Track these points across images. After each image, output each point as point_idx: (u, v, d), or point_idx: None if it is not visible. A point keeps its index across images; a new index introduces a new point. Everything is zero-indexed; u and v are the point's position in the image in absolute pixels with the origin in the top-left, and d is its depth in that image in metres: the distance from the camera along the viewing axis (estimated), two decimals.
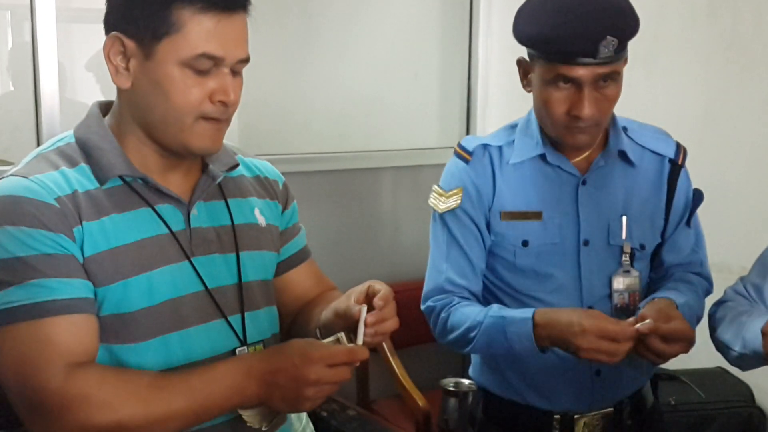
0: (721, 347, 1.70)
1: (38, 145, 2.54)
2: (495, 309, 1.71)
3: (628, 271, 1.74)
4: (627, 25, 1.61)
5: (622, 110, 1.77)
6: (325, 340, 1.34)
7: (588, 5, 1.59)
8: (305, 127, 3.12)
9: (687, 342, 1.60)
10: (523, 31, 1.66)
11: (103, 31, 2.70)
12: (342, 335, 1.33)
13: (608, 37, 1.56)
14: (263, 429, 1.36)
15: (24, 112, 2.55)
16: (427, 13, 3.39)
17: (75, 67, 2.73)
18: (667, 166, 1.81)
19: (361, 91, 3.24)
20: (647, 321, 1.56)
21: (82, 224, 1.27)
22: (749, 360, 1.63)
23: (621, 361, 1.58)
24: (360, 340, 1.32)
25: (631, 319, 1.59)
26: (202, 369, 1.30)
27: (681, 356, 2.09)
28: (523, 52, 1.75)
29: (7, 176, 1.30)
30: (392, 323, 1.36)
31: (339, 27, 3.16)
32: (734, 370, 2.60)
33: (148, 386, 1.25)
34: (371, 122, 3.29)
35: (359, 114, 3.25)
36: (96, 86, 2.76)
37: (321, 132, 3.16)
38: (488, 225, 1.78)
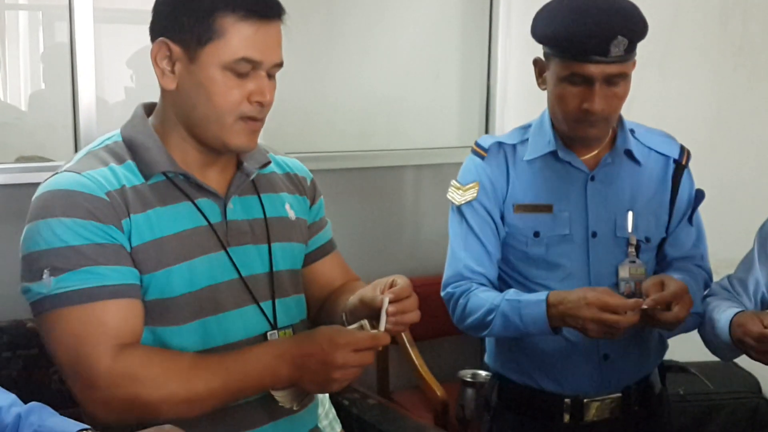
0: (706, 343, 1.83)
1: (75, 142, 2.63)
2: (511, 293, 1.81)
3: (633, 261, 1.84)
4: (636, 26, 1.72)
5: (637, 111, 1.86)
6: (350, 327, 1.43)
7: (601, 8, 1.70)
8: (329, 126, 3.17)
9: (688, 298, 1.70)
10: (541, 30, 1.78)
11: (137, 32, 2.78)
12: (365, 322, 1.42)
13: (619, 37, 1.68)
14: (294, 408, 1.46)
15: (58, 110, 2.63)
16: (447, 15, 3.44)
17: (110, 66, 2.80)
18: (671, 166, 1.91)
19: (384, 92, 3.29)
20: (649, 298, 1.67)
21: (130, 216, 1.37)
22: (727, 351, 1.77)
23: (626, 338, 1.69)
24: (382, 327, 1.41)
25: (637, 300, 1.69)
26: (239, 352, 1.40)
27: (691, 349, 2.18)
28: (540, 53, 1.86)
29: (61, 172, 1.40)
30: (412, 315, 1.45)
31: (362, 29, 3.21)
32: (742, 363, 2.67)
33: (189, 367, 1.35)
34: (393, 122, 3.34)
35: (381, 114, 3.30)
36: (131, 85, 2.84)
37: (344, 131, 3.21)
38: (502, 217, 1.89)
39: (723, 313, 1.73)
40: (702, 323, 1.83)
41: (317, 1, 3.10)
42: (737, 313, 1.71)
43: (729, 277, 1.90)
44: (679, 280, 1.74)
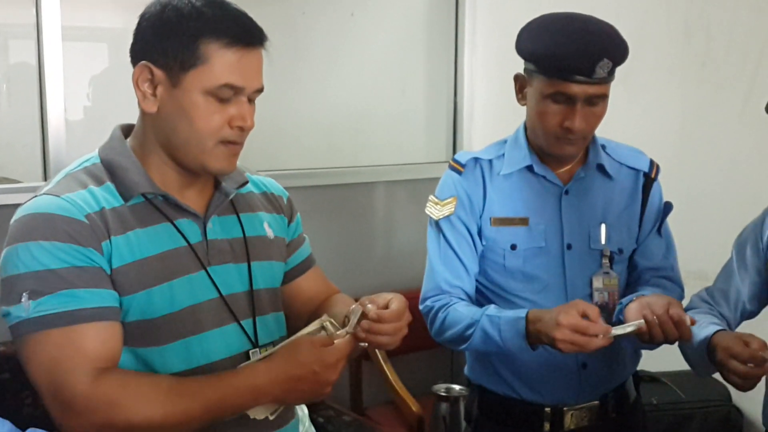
0: (683, 354, 1.85)
1: (44, 164, 2.61)
2: (492, 309, 1.82)
3: (607, 273, 1.88)
4: (620, 50, 1.78)
5: (603, 125, 1.89)
6: (311, 327, 1.43)
7: (588, 30, 1.75)
8: (296, 143, 3.18)
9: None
10: (526, 47, 1.81)
11: (103, 50, 2.73)
12: (327, 323, 1.43)
13: (605, 59, 1.72)
14: (269, 418, 1.46)
15: (25, 131, 2.60)
16: (413, 32, 3.47)
17: (76, 85, 2.77)
18: (641, 180, 1.97)
19: (350, 109, 3.31)
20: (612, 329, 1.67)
21: (110, 239, 1.37)
22: (704, 368, 1.77)
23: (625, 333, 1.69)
24: (350, 328, 1.42)
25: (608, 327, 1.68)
26: (219, 379, 1.38)
27: (662, 359, 2.22)
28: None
29: (40, 195, 1.40)
30: (386, 339, 1.44)
31: (328, 45, 3.23)
32: None
33: (167, 392, 1.35)
34: (360, 138, 3.36)
35: (348, 130, 3.31)
36: (96, 105, 2.82)
37: (311, 148, 3.22)
38: (480, 231, 1.92)
39: (702, 330, 1.74)
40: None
41: (283, 18, 3.12)
42: (716, 332, 1.72)
43: (708, 288, 1.94)
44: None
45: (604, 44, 1.73)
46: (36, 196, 1.40)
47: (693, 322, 1.68)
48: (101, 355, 1.34)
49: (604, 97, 1.79)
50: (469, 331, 1.82)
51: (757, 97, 2.63)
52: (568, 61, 1.72)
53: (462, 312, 1.85)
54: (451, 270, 1.91)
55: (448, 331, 1.87)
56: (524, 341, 1.75)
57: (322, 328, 1.43)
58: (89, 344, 1.33)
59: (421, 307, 1.95)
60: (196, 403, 1.35)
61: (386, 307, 1.45)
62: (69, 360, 1.31)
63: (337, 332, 1.42)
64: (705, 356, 1.71)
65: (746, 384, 1.66)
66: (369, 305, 1.43)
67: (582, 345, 1.65)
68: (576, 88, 1.74)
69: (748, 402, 2.64)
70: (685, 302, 1.97)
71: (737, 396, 2.66)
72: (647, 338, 1.69)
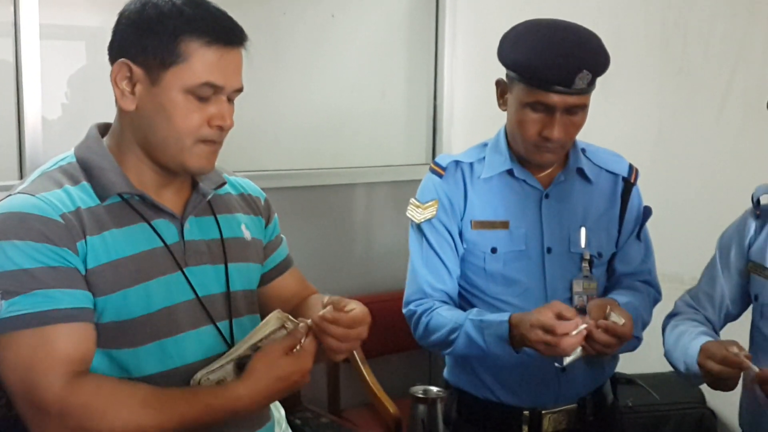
0: (672, 365, 1.86)
1: (20, 162, 2.59)
2: (474, 312, 1.83)
3: (587, 276, 1.89)
4: (600, 62, 1.78)
5: (582, 130, 1.91)
6: (270, 328, 1.43)
7: (569, 40, 1.75)
8: (275, 143, 3.17)
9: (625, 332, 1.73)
10: (507, 54, 1.81)
11: (81, 49, 2.70)
12: (287, 322, 1.43)
13: (584, 71, 1.73)
14: None
15: (1, 129, 2.57)
16: (393, 34, 3.48)
17: (54, 84, 2.75)
18: (620, 184, 1.98)
19: (330, 110, 3.30)
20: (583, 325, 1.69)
21: (86, 239, 1.35)
22: (693, 379, 1.78)
23: (576, 358, 1.73)
24: (309, 320, 1.44)
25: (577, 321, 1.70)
26: (195, 399, 1.37)
27: (638, 361, 2.23)
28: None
29: (15, 194, 1.38)
30: (333, 343, 1.44)
31: (307, 46, 3.23)
32: None
33: (142, 402, 1.33)
34: (340, 140, 3.35)
35: (328, 132, 3.31)
36: (73, 103, 2.80)
37: (290, 149, 3.22)
38: (461, 234, 1.92)
39: (693, 341, 1.75)
40: (667, 346, 1.87)
41: (264, 19, 3.11)
42: (705, 342, 1.73)
43: (692, 291, 1.95)
44: (624, 309, 1.78)
45: (584, 56, 1.74)
46: (10, 195, 1.38)
47: (629, 328, 1.71)
48: (74, 357, 1.32)
49: (583, 106, 1.80)
50: (453, 336, 1.83)
51: (734, 103, 2.67)
52: (548, 72, 1.72)
53: (445, 316, 1.85)
54: (434, 273, 1.91)
55: (431, 336, 1.88)
56: (508, 345, 1.76)
57: (283, 326, 1.43)
58: (62, 346, 1.31)
59: (404, 311, 1.96)
60: (172, 418, 1.34)
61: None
62: (42, 362, 1.30)
63: (299, 326, 1.43)
64: (696, 369, 1.72)
65: (719, 384, 1.67)
66: (329, 307, 1.44)
67: (554, 345, 1.66)
68: (555, 99, 1.75)
69: (722, 404, 2.66)
70: (664, 305, 2.00)
71: (711, 398, 2.68)
72: (595, 353, 1.73)
